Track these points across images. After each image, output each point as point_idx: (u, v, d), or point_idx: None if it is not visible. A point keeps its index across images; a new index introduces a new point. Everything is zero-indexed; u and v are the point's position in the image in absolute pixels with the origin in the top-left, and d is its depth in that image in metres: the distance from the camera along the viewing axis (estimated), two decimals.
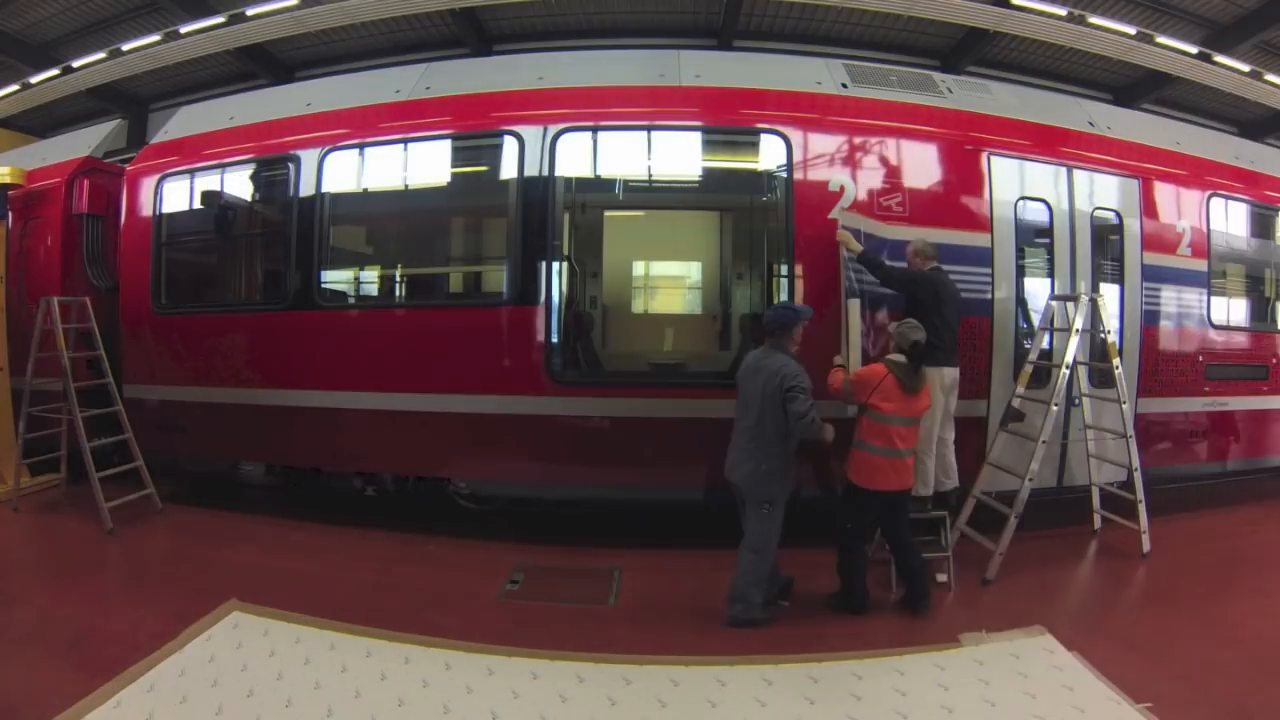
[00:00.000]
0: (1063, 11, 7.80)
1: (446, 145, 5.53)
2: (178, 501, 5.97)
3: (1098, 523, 5.43)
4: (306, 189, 5.47)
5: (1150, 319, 5.67)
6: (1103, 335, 5.05)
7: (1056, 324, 5.21)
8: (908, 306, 4.55)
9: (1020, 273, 5.37)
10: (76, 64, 9.08)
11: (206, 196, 5.88)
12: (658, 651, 3.57)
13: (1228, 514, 6.10)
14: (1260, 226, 6.54)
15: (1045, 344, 5.19)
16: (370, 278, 6.22)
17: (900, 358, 4.03)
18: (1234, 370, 6.00)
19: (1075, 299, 5.02)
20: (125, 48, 8.77)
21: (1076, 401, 5.39)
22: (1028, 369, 5.03)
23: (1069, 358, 4.87)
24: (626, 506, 5.43)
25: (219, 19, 8.26)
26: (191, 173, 5.92)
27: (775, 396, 3.78)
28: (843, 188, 5.02)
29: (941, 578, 4.49)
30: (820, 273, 4.94)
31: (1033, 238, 5.46)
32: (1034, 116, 5.77)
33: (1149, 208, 5.73)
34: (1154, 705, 3.04)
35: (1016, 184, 5.38)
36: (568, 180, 5.31)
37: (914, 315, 4.29)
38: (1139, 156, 5.86)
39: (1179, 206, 5.88)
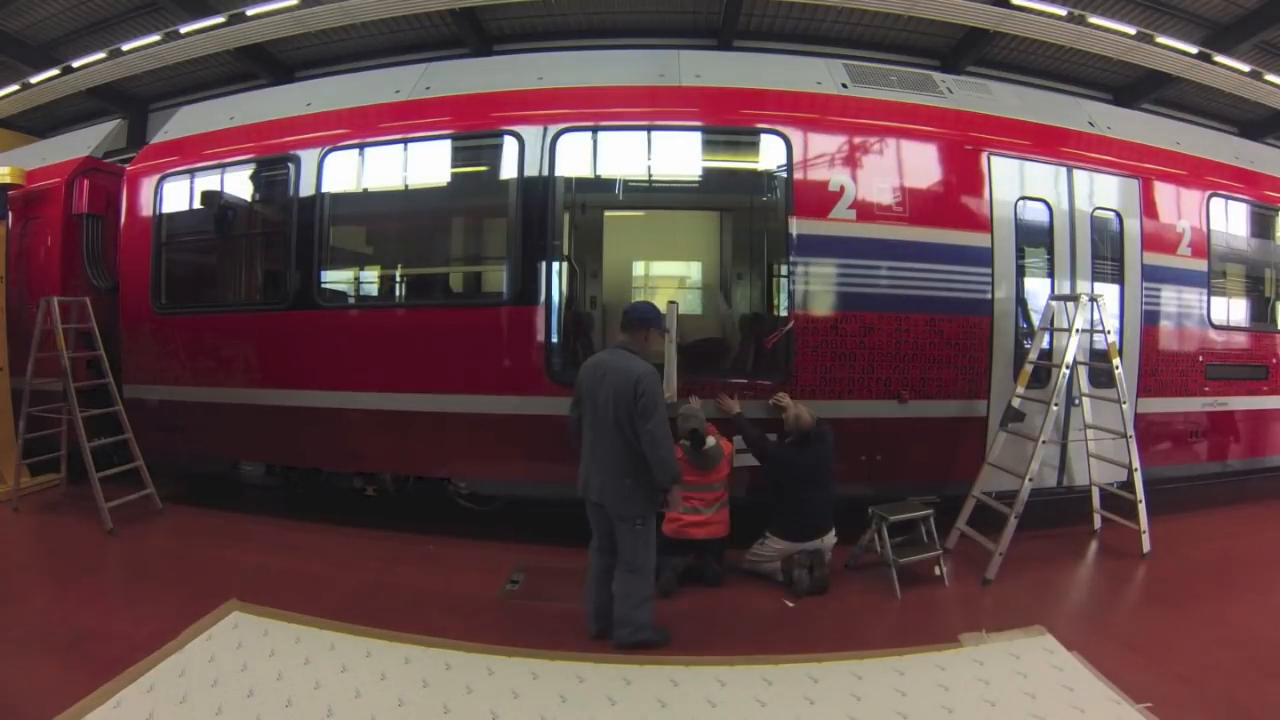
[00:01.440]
0: (1063, 11, 7.79)
1: (446, 145, 5.52)
2: (178, 501, 5.97)
3: (1098, 523, 5.43)
4: (306, 189, 5.47)
5: (1150, 319, 5.67)
6: (1103, 335, 5.06)
7: (1056, 324, 5.22)
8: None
9: (1020, 273, 5.37)
10: (76, 64, 9.07)
11: (206, 196, 5.87)
12: (658, 651, 3.57)
13: (1228, 514, 6.10)
14: (1260, 226, 6.54)
15: (1045, 344, 5.19)
16: (370, 278, 6.21)
17: (685, 443, 4.36)
18: (1234, 370, 6.01)
19: (1075, 299, 5.02)
20: (125, 48, 8.76)
21: (1076, 401, 5.40)
22: (1028, 369, 5.03)
23: (1069, 358, 4.88)
24: None
25: (219, 19, 8.25)
26: (191, 173, 5.92)
27: (628, 401, 3.38)
28: (843, 188, 5.03)
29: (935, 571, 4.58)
30: (820, 272, 4.98)
31: (1033, 238, 5.46)
32: (1034, 116, 5.77)
33: (1149, 208, 5.74)
34: (1154, 705, 3.05)
35: (1016, 184, 5.38)
36: (568, 180, 5.30)
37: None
38: (1139, 156, 5.87)
39: (1179, 206, 5.88)
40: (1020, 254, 5.35)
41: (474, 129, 5.47)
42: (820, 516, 4.46)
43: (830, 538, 4.50)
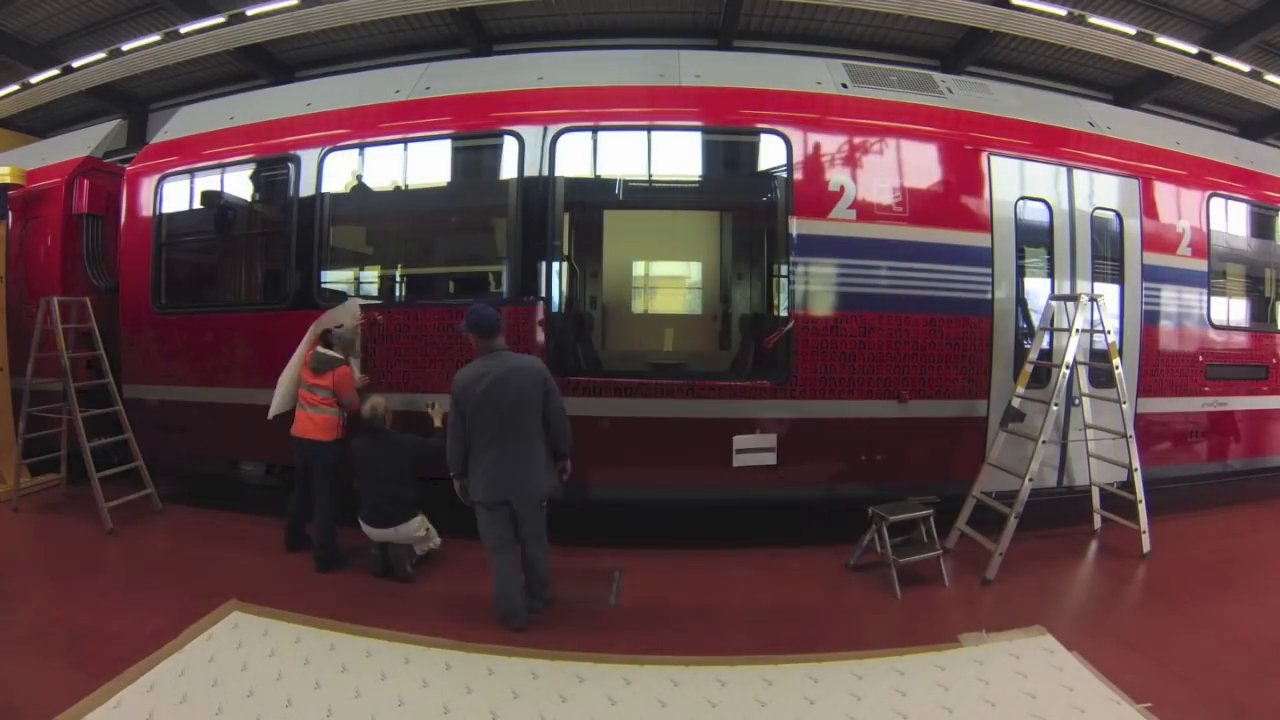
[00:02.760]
0: (1063, 11, 7.80)
1: (446, 145, 5.52)
2: (178, 501, 5.97)
3: (1098, 523, 5.43)
4: (306, 189, 5.47)
5: (1150, 319, 5.67)
6: (1103, 335, 5.06)
7: (1056, 324, 5.22)
8: None
9: (1020, 273, 5.37)
10: (76, 64, 9.08)
11: (206, 196, 5.87)
12: (658, 651, 3.57)
13: (1228, 514, 6.09)
14: (1260, 226, 6.54)
15: (1045, 344, 5.19)
16: (370, 278, 6.22)
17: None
18: (1234, 370, 6.01)
19: (1075, 299, 5.02)
20: (125, 48, 8.77)
21: (1076, 401, 5.40)
22: (1028, 369, 5.03)
23: (1069, 358, 4.88)
24: (626, 506, 5.43)
25: (219, 19, 8.27)
26: (191, 173, 5.92)
27: (537, 392, 3.79)
28: (843, 188, 5.03)
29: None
30: (820, 272, 4.98)
31: (1032, 238, 5.45)
32: (1034, 116, 5.77)
33: (1149, 208, 5.74)
34: (1154, 705, 3.04)
35: (1016, 184, 5.38)
36: (568, 180, 5.30)
37: None
38: (1139, 156, 5.87)
39: (1179, 206, 5.88)
40: (1020, 254, 5.35)
41: (474, 129, 5.47)
42: (390, 505, 4.59)
43: (407, 527, 4.61)
